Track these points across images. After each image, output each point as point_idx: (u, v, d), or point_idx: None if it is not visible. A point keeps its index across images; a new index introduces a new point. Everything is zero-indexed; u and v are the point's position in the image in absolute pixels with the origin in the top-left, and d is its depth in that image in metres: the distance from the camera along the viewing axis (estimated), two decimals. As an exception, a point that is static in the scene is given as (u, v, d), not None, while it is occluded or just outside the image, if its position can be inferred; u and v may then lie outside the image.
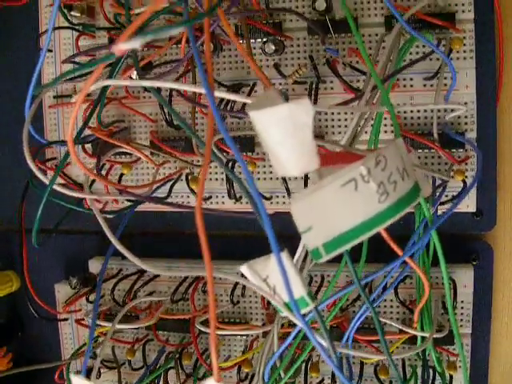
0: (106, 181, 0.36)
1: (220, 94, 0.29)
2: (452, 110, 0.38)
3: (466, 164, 0.38)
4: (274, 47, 0.37)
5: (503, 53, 0.39)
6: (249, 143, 0.40)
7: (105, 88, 0.35)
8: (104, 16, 0.41)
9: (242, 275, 0.26)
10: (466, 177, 0.38)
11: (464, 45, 0.38)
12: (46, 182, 0.31)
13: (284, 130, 0.22)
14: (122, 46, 0.19)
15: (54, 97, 0.44)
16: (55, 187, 0.31)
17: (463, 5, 0.38)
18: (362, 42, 0.30)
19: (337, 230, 0.25)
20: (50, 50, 0.44)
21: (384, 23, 0.38)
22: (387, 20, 0.38)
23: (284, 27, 0.40)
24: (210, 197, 0.42)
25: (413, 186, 0.26)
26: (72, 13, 0.42)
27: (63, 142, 0.39)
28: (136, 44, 0.19)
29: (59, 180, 0.44)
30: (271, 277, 0.30)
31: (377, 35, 0.39)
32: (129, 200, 0.41)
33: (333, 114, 0.40)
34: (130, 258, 0.31)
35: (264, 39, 0.39)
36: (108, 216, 0.35)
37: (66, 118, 0.43)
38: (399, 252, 0.31)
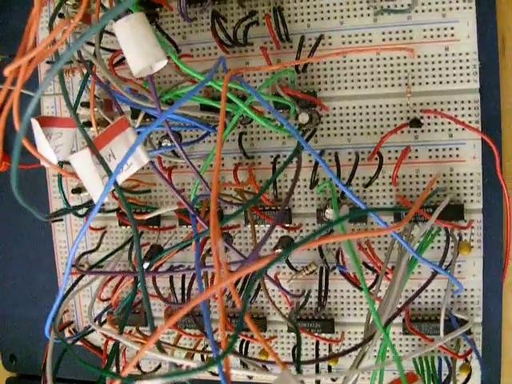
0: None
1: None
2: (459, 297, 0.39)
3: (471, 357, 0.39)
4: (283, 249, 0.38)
5: (509, 242, 0.39)
6: (262, 323, 0.42)
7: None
8: (114, 197, 0.42)
9: None
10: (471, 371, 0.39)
11: (472, 234, 0.39)
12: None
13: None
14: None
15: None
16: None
17: (472, 194, 0.38)
18: (369, 297, 0.31)
19: None
20: (61, 220, 0.45)
21: (393, 215, 0.39)
22: (396, 214, 0.39)
23: (293, 212, 0.40)
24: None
25: None
26: (81, 195, 0.42)
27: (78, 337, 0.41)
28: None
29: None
30: None
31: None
32: None
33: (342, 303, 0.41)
34: None
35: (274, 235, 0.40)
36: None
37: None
38: None
